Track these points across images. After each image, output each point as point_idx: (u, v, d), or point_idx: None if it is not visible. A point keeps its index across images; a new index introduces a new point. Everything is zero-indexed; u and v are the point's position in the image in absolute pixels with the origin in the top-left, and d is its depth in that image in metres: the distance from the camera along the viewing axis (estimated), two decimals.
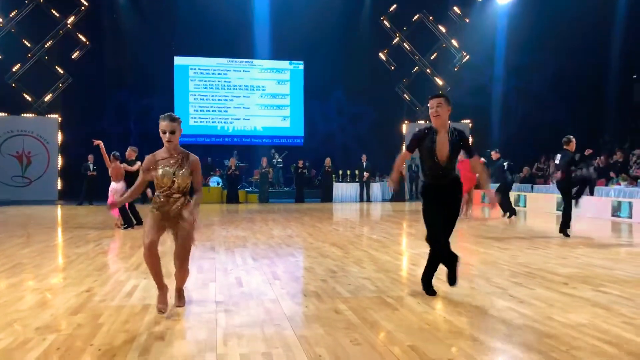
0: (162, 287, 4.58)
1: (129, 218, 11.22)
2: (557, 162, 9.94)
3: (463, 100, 22.96)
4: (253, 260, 7.28)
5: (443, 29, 23.56)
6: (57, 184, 21.13)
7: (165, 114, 4.40)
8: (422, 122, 23.23)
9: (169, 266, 5.69)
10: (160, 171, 4.40)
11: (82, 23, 21.63)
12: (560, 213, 10.59)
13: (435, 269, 5.22)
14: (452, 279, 5.11)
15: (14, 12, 20.69)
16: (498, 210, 14.35)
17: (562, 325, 4.14)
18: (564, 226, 9.78)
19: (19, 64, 20.87)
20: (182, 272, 4.65)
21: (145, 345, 3.66)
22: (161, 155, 4.45)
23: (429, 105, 5.09)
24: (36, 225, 12.15)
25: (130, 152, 11.51)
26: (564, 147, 9.66)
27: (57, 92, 21.41)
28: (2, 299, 4.96)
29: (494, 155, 14.45)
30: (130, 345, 3.65)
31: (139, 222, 11.38)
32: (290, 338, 3.85)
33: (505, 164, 14.02)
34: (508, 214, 13.69)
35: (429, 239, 5.06)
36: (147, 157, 4.47)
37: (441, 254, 5.10)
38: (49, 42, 21.17)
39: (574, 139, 9.72)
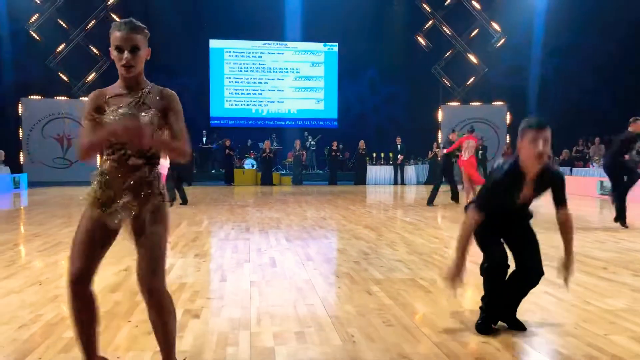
0: None
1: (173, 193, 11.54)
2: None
3: (500, 81, 22.51)
4: (286, 241, 7.33)
5: (478, 6, 23.01)
6: (96, 166, 21.59)
7: (123, 19, 2.66)
8: (456, 103, 22.92)
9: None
10: (109, 117, 2.57)
11: (119, 6, 21.86)
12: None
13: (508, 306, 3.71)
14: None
15: None
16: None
17: (600, 310, 4.06)
18: (620, 214, 8.86)
19: (61, 46, 21.23)
20: (164, 311, 2.65)
21: (181, 323, 3.73)
22: (113, 90, 2.66)
23: (528, 137, 3.32)
24: (77, 205, 12.43)
25: None
26: (629, 127, 8.74)
27: (96, 75, 21.77)
28: (44, 277, 5.13)
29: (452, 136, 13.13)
30: None
31: (184, 201, 11.85)
32: (322, 318, 3.87)
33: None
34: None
35: (489, 261, 3.55)
36: (92, 95, 2.68)
37: (510, 287, 3.64)
38: (90, 24, 21.43)
39: None
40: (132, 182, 2.56)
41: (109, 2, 21.58)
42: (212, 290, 4.72)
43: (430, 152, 21.67)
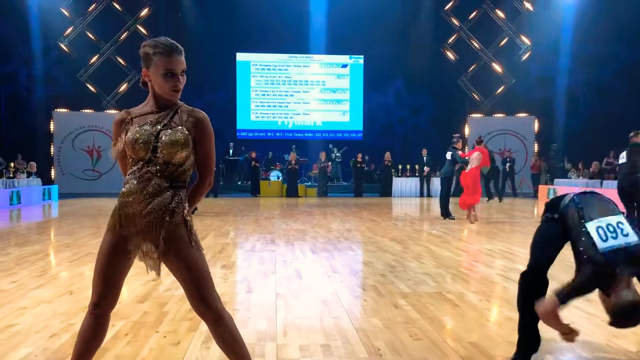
0: None
1: None
2: (622, 160, 8.96)
3: (528, 93, 22.31)
4: (312, 253, 7.34)
5: (503, 17, 22.85)
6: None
7: (165, 41, 2.47)
8: (480, 115, 22.78)
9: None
10: (131, 133, 2.45)
11: (148, 21, 22.30)
12: None
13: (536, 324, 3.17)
14: None
15: (91, 8, 21.50)
16: None
17: None
18: None
19: (92, 61, 21.70)
20: (224, 335, 2.48)
21: (208, 333, 3.75)
22: (140, 110, 2.54)
23: None
24: (106, 216, 12.60)
25: None
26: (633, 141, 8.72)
27: (125, 88, 22.17)
28: (74, 286, 5.22)
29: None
30: (194, 333, 3.76)
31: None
32: (349, 331, 3.86)
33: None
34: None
35: (529, 262, 3.20)
36: (116, 118, 2.56)
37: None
38: (121, 37, 21.85)
39: None
40: (152, 209, 2.39)
41: (140, 15, 22.02)
42: (238, 301, 4.74)
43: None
